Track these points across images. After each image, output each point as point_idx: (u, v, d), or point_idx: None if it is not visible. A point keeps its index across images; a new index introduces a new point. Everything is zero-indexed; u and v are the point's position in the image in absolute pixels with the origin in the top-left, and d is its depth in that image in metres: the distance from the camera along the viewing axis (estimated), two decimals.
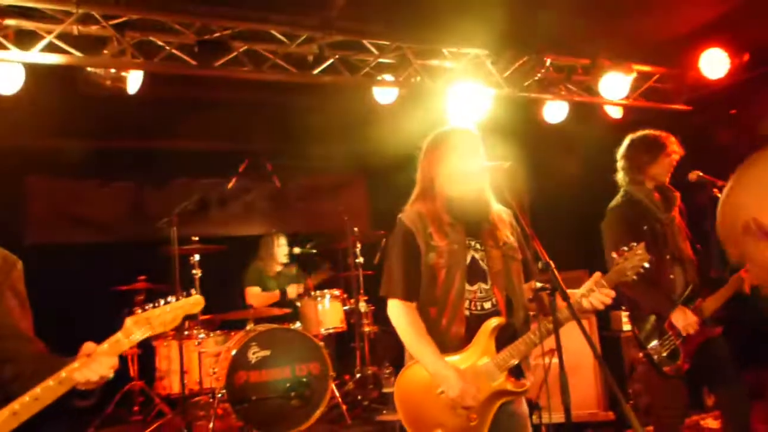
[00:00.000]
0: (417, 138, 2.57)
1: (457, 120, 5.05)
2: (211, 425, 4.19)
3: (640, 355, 3.16)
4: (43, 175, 6.21)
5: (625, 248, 2.28)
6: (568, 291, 2.11)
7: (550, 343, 2.20)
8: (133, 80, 4.34)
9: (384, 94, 5.16)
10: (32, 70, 4.07)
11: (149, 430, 4.59)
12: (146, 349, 5.24)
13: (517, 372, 2.35)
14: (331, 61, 4.69)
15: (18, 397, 1.70)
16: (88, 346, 1.81)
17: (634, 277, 2.27)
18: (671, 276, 3.12)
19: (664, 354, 3.06)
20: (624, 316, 4.66)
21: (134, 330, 1.85)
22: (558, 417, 4.47)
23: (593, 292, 2.23)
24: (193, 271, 4.91)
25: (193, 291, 2.00)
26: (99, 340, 2.69)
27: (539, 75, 5.11)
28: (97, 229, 6.35)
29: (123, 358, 5.14)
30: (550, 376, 2.40)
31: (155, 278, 5.23)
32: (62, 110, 4.96)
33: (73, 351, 2.37)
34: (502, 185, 2.29)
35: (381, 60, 4.92)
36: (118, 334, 1.85)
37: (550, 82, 5.40)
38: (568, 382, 2.03)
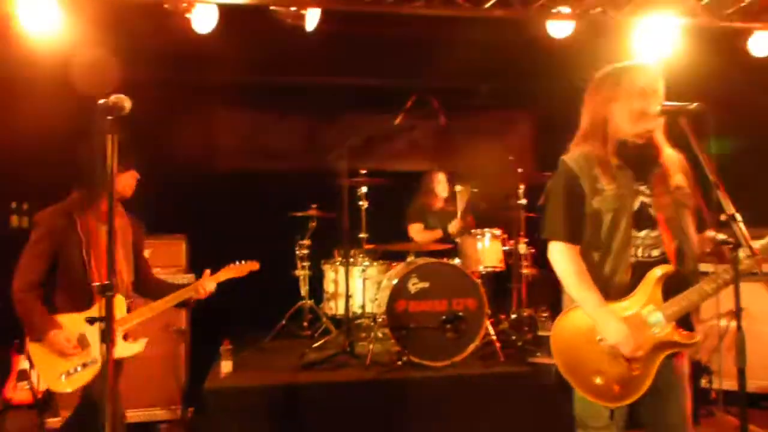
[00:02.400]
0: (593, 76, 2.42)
1: (642, 56, 4.66)
2: (371, 347, 4.47)
3: None
4: (231, 108, 6.78)
5: None
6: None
7: (727, 304, 2.04)
8: (311, 17, 4.53)
9: (559, 28, 4.85)
10: (223, 10, 4.41)
11: (316, 345, 5.01)
12: (316, 272, 5.67)
13: (685, 325, 2.21)
14: None
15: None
16: (206, 272, 3.18)
17: None
18: None
19: None
20: None
21: (222, 275, 3.22)
22: (730, 384, 4.16)
23: None
24: (360, 203, 5.16)
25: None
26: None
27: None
28: (276, 158, 6.85)
29: (296, 279, 5.66)
30: (725, 341, 2.23)
31: (325, 207, 5.57)
32: (248, 47, 5.34)
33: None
34: (685, 128, 2.10)
35: None
36: (219, 274, 3.22)
37: (762, 8, 4.67)
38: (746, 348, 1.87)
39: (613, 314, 2.18)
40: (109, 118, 1.74)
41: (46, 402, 4.12)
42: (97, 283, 1.77)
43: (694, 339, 2.20)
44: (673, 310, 2.17)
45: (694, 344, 2.22)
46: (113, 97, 1.80)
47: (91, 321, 1.72)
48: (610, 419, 2.22)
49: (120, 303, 2.94)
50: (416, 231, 5.66)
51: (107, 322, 1.66)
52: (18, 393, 4.21)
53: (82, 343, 2.80)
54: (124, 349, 2.93)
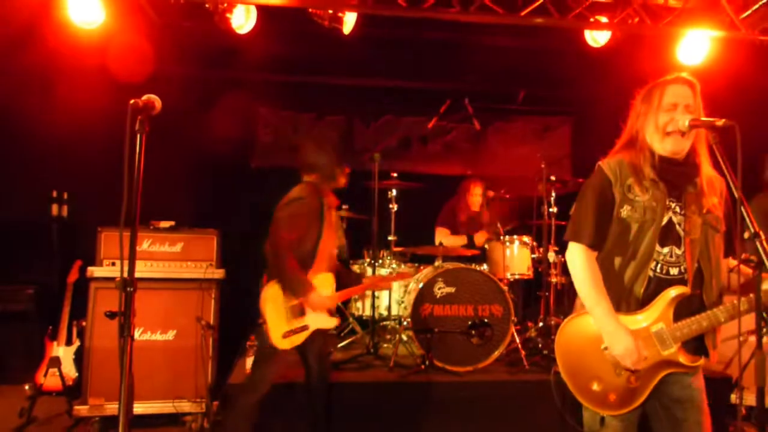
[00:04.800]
0: (630, 85, 2.42)
1: (679, 68, 4.57)
2: (395, 349, 4.50)
3: None
4: (270, 107, 6.90)
5: None
6: None
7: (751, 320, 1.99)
8: (349, 21, 4.59)
9: (596, 36, 4.80)
10: (263, 11, 4.50)
11: (341, 344, 5.06)
12: None
13: (697, 347, 2.21)
14: (541, 0, 4.47)
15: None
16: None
17: None
18: None
19: None
20: None
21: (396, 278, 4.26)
22: (752, 399, 4.05)
23: None
24: (390, 205, 5.19)
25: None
26: None
27: None
28: None
29: None
30: (747, 357, 2.20)
31: (356, 209, 5.61)
32: (287, 48, 5.44)
33: None
34: (713, 144, 2.08)
35: None
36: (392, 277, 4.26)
37: None
38: None
39: (621, 326, 2.19)
40: (140, 118, 1.79)
41: (75, 389, 4.25)
42: (117, 278, 1.79)
43: (698, 362, 2.20)
44: (682, 332, 2.17)
45: (697, 368, 2.22)
46: (144, 97, 1.85)
47: (110, 316, 1.75)
48: (600, 425, 2.24)
49: (330, 280, 3.38)
50: (442, 234, 5.67)
51: (126, 317, 1.69)
52: (48, 379, 4.34)
53: (297, 311, 3.23)
54: (324, 321, 3.34)
